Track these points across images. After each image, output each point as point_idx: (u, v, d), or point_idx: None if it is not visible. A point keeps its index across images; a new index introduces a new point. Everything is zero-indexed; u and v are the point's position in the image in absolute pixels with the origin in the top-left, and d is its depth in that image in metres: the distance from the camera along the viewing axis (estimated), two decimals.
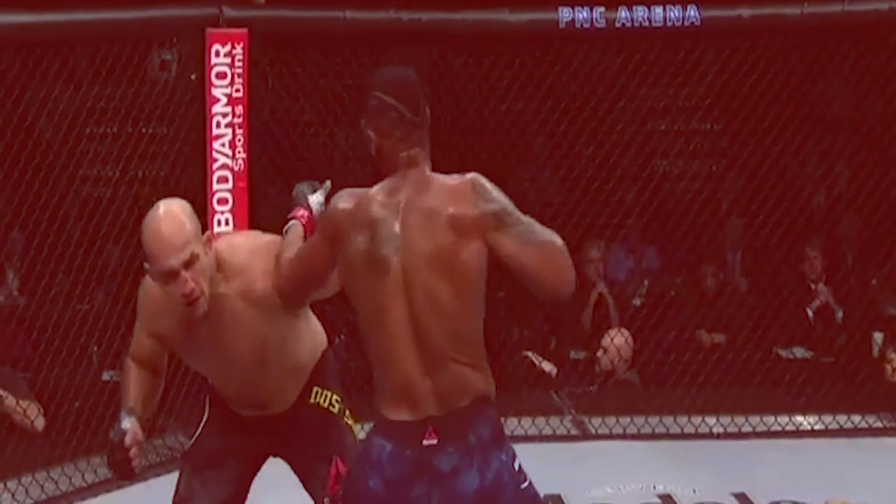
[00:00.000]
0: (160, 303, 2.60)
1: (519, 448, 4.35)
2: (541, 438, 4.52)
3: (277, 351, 2.67)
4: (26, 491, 3.91)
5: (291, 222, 2.61)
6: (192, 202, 4.41)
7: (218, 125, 4.32)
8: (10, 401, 4.10)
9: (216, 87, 4.29)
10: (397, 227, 2.31)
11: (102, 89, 4.43)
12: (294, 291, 2.47)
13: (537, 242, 2.35)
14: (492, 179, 5.62)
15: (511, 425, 4.55)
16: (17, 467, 3.95)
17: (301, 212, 2.63)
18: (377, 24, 4.46)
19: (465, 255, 2.30)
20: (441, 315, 2.30)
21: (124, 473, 2.59)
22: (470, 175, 2.35)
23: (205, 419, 2.77)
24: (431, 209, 2.32)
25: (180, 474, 2.77)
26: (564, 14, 4.33)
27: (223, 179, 4.34)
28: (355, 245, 2.31)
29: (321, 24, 4.47)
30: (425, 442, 2.31)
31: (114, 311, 4.27)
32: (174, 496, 2.75)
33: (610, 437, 4.53)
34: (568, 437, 4.57)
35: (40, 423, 4.14)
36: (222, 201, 4.35)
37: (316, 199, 2.67)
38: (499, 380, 5.12)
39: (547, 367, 5.04)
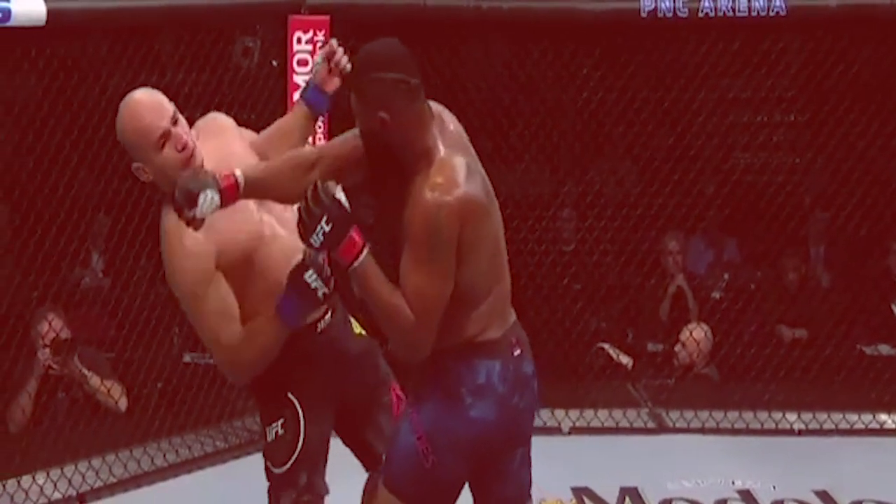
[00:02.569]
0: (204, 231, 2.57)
1: (596, 440, 4.42)
2: (617, 431, 4.55)
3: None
4: (109, 469, 4.05)
5: (361, 258, 2.37)
6: None
7: None
8: (95, 381, 4.24)
9: (297, 73, 4.38)
10: (474, 164, 2.43)
11: (186, 76, 4.54)
12: (432, 331, 2.35)
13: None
14: (571, 170, 5.65)
15: (587, 417, 4.60)
16: (101, 446, 4.08)
17: (355, 239, 2.38)
18: (457, 13, 4.52)
19: None
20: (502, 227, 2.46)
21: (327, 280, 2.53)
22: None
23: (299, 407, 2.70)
24: (463, 135, 2.51)
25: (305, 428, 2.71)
26: (646, 3, 4.34)
27: None
28: (475, 202, 2.36)
29: (401, 12, 4.54)
30: (514, 352, 2.44)
31: None
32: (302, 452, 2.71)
33: (688, 430, 4.55)
34: (645, 430, 4.59)
35: (123, 403, 4.28)
36: None
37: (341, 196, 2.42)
38: (575, 371, 5.19)
39: (624, 359, 5.08)
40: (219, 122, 2.83)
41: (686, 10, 4.35)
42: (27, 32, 3.70)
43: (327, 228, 2.35)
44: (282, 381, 2.70)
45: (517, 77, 5.00)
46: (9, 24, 3.59)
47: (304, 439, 2.69)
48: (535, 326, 4.87)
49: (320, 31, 4.38)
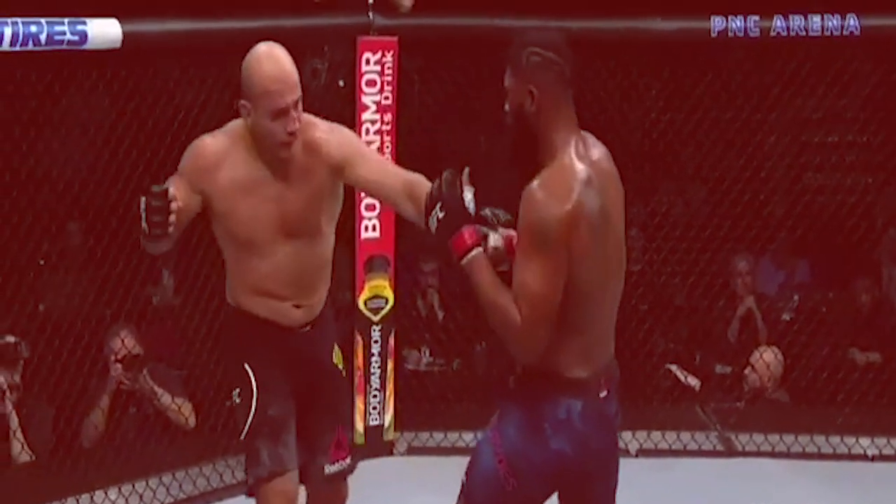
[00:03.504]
0: (219, 159, 2.77)
1: (664, 462, 4.41)
2: (686, 453, 4.54)
3: (317, 230, 2.85)
4: (180, 486, 4.13)
5: (473, 256, 2.38)
6: (341, 208, 4.61)
7: (367, 132, 4.47)
8: (166, 398, 4.33)
9: (366, 94, 4.45)
10: (601, 181, 2.41)
11: None
12: (542, 330, 2.35)
13: None
14: (638, 190, 5.65)
15: (655, 439, 4.59)
16: (172, 463, 4.17)
17: (469, 234, 2.42)
18: (524, 32, 4.54)
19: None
20: (619, 262, 2.45)
21: (160, 223, 2.62)
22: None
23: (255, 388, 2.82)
24: (609, 164, 2.48)
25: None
26: (717, 23, 4.35)
27: None
28: (587, 210, 2.34)
29: (470, 33, 4.59)
30: (601, 394, 2.45)
31: None
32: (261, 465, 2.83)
33: (758, 454, 4.52)
34: (713, 453, 4.57)
35: (192, 420, 4.37)
36: (370, 207, 4.50)
37: (469, 201, 2.50)
38: (642, 392, 5.19)
39: (692, 381, 5.06)
40: None
41: (758, 29, 4.35)
42: (103, 55, 3.79)
43: (440, 216, 2.43)
44: (242, 353, 2.85)
45: (584, 96, 5.02)
46: (85, 46, 3.69)
47: (255, 409, 2.80)
48: None
49: (389, 51, 4.44)
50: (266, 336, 2.86)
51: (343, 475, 3.01)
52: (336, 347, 3.00)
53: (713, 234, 4.94)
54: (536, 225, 2.34)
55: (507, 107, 2.46)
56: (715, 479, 4.31)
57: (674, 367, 5.06)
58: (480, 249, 2.42)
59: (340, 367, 3.00)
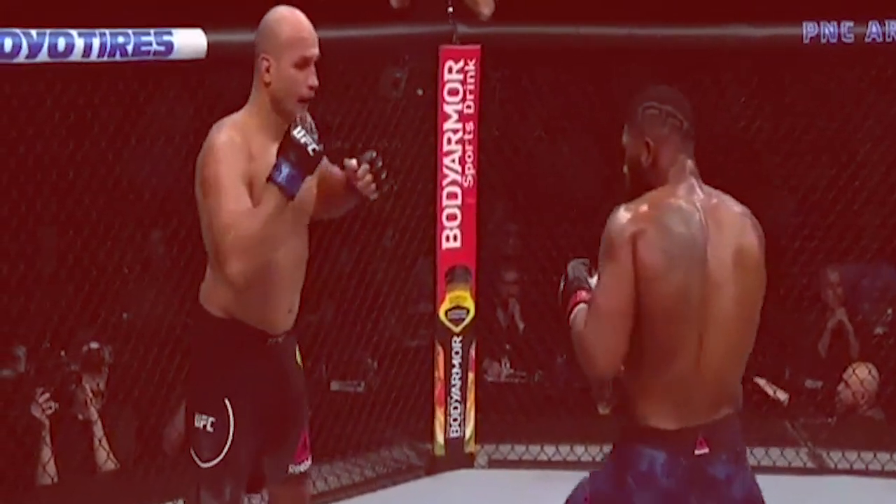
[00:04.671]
0: (249, 148, 2.70)
1: None
2: (775, 470, 4.49)
3: (308, 222, 2.83)
4: (261, 496, 4.18)
5: (578, 308, 2.43)
6: (422, 217, 4.67)
7: (449, 141, 4.51)
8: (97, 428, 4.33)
9: (448, 103, 4.49)
10: (703, 218, 2.36)
11: (336, 106, 4.69)
12: (604, 341, 2.32)
13: None
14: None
15: None
16: None
17: (581, 294, 2.47)
18: (611, 40, 4.56)
19: (763, 268, 2.41)
20: (739, 315, 2.36)
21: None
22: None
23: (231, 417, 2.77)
24: (735, 212, 2.42)
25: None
26: (809, 29, 4.31)
27: (452, 195, 4.54)
28: (668, 231, 2.32)
29: (554, 40, 4.61)
30: (697, 451, 2.36)
31: (344, 321, 4.54)
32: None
33: (850, 472, 4.47)
34: (804, 471, 4.53)
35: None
36: (451, 217, 4.54)
37: (594, 282, 2.50)
38: None
39: (780, 395, 5.01)
40: None
41: (851, 35, 4.30)
42: (188, 65, 3.88)
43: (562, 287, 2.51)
44: (222, 384, 2.77)
45: None
46: (171, 57, 3.78)
47: (230, 447, 2.75)
48: None
49: (471, 60, 4.48)
50: (249, 353, 2.79)
51: (308, 474, 2.97)
52: (296, 345, 2.94)
53: (803, 244, 4.89)
54: (605, 235, 2.39)
55: (625, 167, 2.49)
56: (805, 497, 4.26)
57: (762, 381, 5.01)
58: (584, 305, 2.44)
59: (300, 364, 2.95)
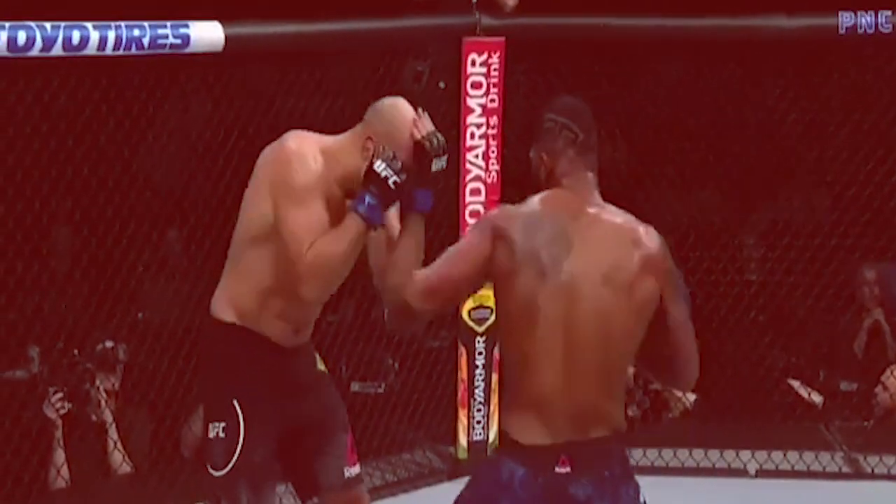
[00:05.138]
0: (328, 170, 2.79)
1: (785, 484, 4.32)
2: (809, 475, 4.45)
3: None
4: (280, 500, 4.16)
5: (416, 217, 2.58)
6: (445, 214, 4.63)
7: (472, 136, 4.47)
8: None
9: (471, 97, 4.45)
10: (571, 231, 2.36)
11: (357, 99, 4.66)
12: (420, 301, 2.38)
13: (692, 334, 2.42)
14: (758, 196, 5.54)
15: (776, 459, 4.51)
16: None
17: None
18: (639, 32, 4.52)
19: (644, 284, 2.35)
20: (603, 333, 2.33)
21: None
22: (650, 227, 2.41)
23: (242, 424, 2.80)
24: (614, 226, 2.39)
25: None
26: (845, 19, 4.25)
27: (476, 192, 4.50)
28: (523, 240, 2.35)
29: (580, 32, 4.57)
30: (558, 469, 2.34)
31: (364, 321, 4.51)
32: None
33: (888, 477, 4.42)
34: (840, 476, 4.48)
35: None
36: (474, 214, 4.50)
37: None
38: (762, 409, 5.09)
39: (815, 398, 4.95)
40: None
41: (889, 25, 4.24)
42: (204, 58, 3.86)
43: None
44: (231, 388, 2.80)
45: (701, 98, 4.96)
46: (187, 50, 3.76)
47: (241, 449, 2.78)
48: (719, 361, 4.80)
49: (495, 52, 4.44)
50: (259, 357, 2.82)
51: (361, 478, 3.00)
52: (314, 352, 2.98)
53: (839, 242, 4.83)
54: (476, 223, 2.47)
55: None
56: (840, 502, 4.21)
57: (795, 384, 4.96)
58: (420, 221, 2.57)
59: (324, 370, 2.99)
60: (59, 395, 4.07)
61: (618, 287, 2.34)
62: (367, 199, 2.71)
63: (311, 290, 2.74)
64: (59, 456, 4.04)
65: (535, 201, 2.40)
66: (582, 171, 2.43)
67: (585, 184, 2.43)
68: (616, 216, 2.42)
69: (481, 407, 4.51)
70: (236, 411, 2.79)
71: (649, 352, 2.40)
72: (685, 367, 2.44)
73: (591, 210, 2.41)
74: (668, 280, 2.38)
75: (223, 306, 2.85)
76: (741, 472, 4.49)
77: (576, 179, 2.42)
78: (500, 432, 2.44)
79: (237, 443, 2.79)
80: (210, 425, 2.82)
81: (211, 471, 2.83)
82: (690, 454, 4.54)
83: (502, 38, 4.44)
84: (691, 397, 4.89)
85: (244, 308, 2.82)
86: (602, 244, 2.36)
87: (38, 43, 3.44)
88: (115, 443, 4.17)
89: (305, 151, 2.80)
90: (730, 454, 4.48)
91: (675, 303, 2.38)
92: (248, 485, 2.80)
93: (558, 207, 2.39)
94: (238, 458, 2.79)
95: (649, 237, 2.39)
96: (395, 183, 2.69)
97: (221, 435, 2.80)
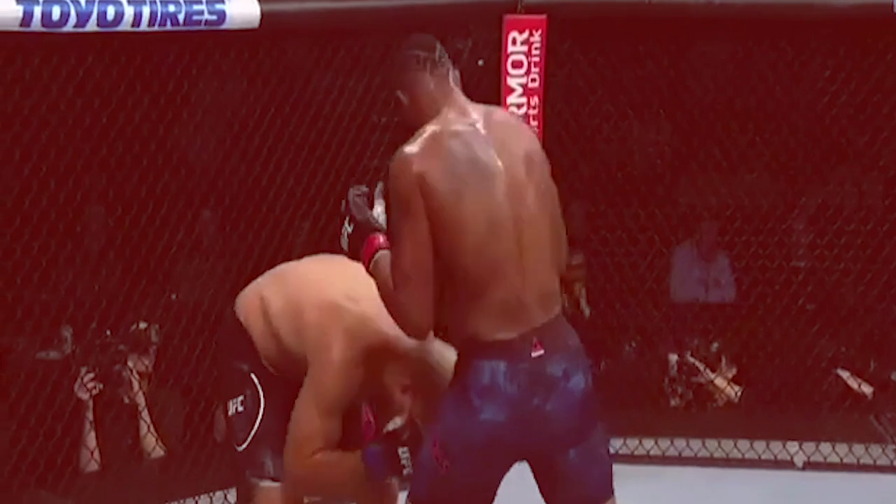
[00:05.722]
0: None
1: (833, 476, 4.30)
2: (858, 467, 4.41)
3: None
4: None
5: (378, 255, 2.56)
6: None
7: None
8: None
9: (511, 76, 4.43)
10: (485, 133, 2.51)
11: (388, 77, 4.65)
12: (417, 295, 2.46)
13: None
14: (808, 180, 5.47)
15: (824, 451, 4.47)
16: None
17: (378, 240, 2.59)
18: (685, 9, 4.47)
19: (546, 163, 2.58)
20: (544, 219, 2.52)
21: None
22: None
23: None
24: (510, 122, 2.60)
25: None
26: None
27: None
28: (447, 172, 2.46)
29: (624, 9, 4.53)
30: (534, 354, 2.49)
31: None
32: None
33: None
34: (890, 469, 4.44)
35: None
36: None
37: (380, 213, 2.64)
38: (809, 400, 5.06)
39: (865, 388, 4.91)
40: None
41: None
42: (240, 35, 3.87)
43: (349, 230, 2.63)
44: (247, 362, 2.89)
45: (749, 78, 4.91)
46: (223, 26, 3.77)
47: (262, 419, 2.85)
48: (766, 349, 4.76)
49: (536, 30, 4.41)
50: None
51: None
52: None
53: (892, 227, 4.78)
54: (391, 185, 2.51)
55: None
56: (890, 498, 4.18)
57: (845, 374, 4.91)
58: (386, 253, 2.57)
59: None
60: (91, 375, 4.10)
61: (537, 164, 2.55)
62: (379, 459, 2.72)
63: (296, 483, 2.81)
64: (91, 438, 4.08)
65: (435, 127, 2.50)
66: (446, 85, 2.57)
67: (456, 94, 2.57)
68: (501, 110, 2.65)
69: None
70: (254, 382, 2.87)
71: None
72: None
73: (484, 111, 2.56)
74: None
75: (249, 310, 2.95)
76: (788, 464, 4.46)
77: (443, 95, 2.55)
78: (465, 340, 2.50)
79: (257, 412, 2.86)
80: (230, 403, 2.90)
81: (235, 447, 2.90)
82: (735, 445, 4.51)
83: (544, 16, 4.41)
84: (736, 388, 4.86)
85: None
86: (513, 133, 2.55)
87: (73, 18, 3.45)
88: (148, 426, 4.20)
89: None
90: (776, 445, 4.45)
91: None
92: (271, 449, 2.85)
93: (460, 120, 2.52)
94: (259, 426, 2.86)
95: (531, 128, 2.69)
96: (407, 473, 2.71)
97: (240, 409, 2.88)
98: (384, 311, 2.59)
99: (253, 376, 2.88)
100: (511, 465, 2.59)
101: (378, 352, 2.74)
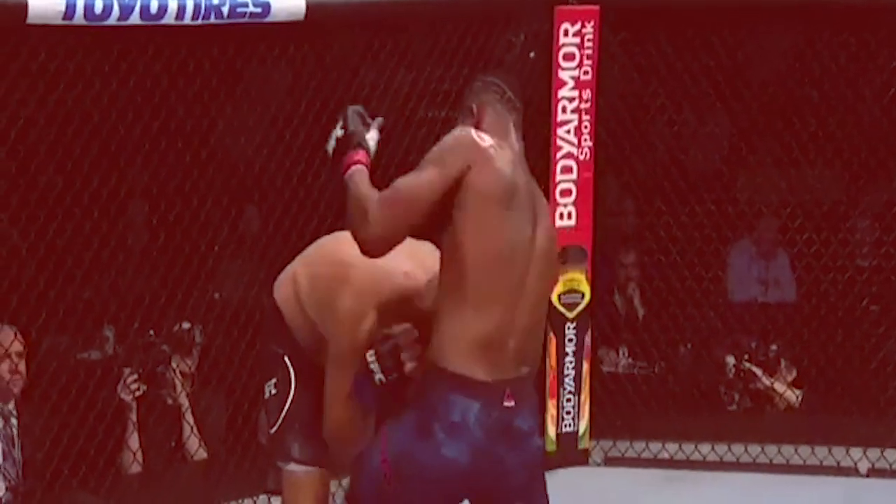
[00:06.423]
0: None
1: None
2: None
3: None
4: None
5: (355, 167, 2.66)
6: None
7: (564, 110, 4.45)
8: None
9: (563, 69, 4.42)
10: (525, 181, 2.62)
11: (443, 71, 4.66)
12: (391, 223, 2.55)
13: None
14: (872, 176, 5.41)
15: (890, 457, 4.44)
16: None
17: (360, 154, 2.69)
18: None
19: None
20: (548, 272, 2.62)
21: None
22: None
23: None
24: (539, 192, 2.70)
25: None
26: None
27: (567, 169, 4.47)
28: (495, 171, 2.55)
29: (678, 0, 4.51)
30: (506, 403, 2.54)
31: None
32: None
33: None
34: None
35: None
36: (565, 192, 4.48)
37: (372, 137, 2.75)
38: (875, 404, 5.01)
39: None
40: None
41: None
42: (285, 28, 3.88)
43: (339, 134, 2.75)
44: (281, 344, 2.95)
45: (811, 69, 4.87)
46: (268, 19, 3.78)
47: (291, 402, 2.90)
48: (828, 352, 4.72)
49: (589, 22, 4.40)
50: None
51: None
52: None
53: None
54: (443, 143, 2.62)
55: None
56: None
57: None
58: (362, 169, 2.65)
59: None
60: (135, 376, 4.13)
61: (553, 245, 2.66)
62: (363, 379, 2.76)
63: (331, 441, 2.86)
64: (134, 440, 4.11)
65: (495, 143, 2.61)
66: (508, 125, 2.70)
67: (515, 137, 2.70)
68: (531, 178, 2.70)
69: (571, 397, 4.50)
70: (287, 366, 2.93)
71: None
72: None
73: (520, 155, 2.69)
74: None
75: (286, 294, 3.01)
76: (851, 471, 4.42)
77: (505, 129, 2.68)
78: (444, 365, 2.52)
79: (288, 394, 2.92)
80: (265, 387, 2.96)
81: (268, 429, 2.97)
82: (796, 451, 4.48)
83: (597, 6, 4.41)
84: (797, 392, 4.82)
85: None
86: (540, 198, 2.67)
87: (116, 11, 3.48)
88: (192, 427, 4.23)
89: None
90: (839, 451, 4.41)
91: None
92: (299, 434, 2.91)
93: (512, 151, 2.65)
94: (288, 410, 2.91)
95: None
96: (380, 380, 2.73)
97: (273, 392, 2.94)
98: (398, 264, 2.68)
99: (287, 360, 2.94)
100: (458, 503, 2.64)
101: (393, 305, 2.77)
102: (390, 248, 2.58)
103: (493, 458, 2.54)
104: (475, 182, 2.54)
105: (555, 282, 2.78)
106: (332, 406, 2.80)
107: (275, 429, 2.94)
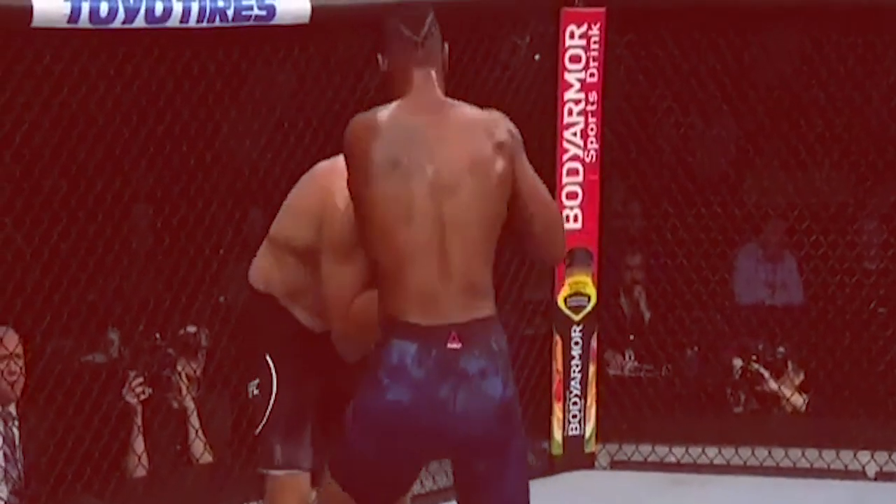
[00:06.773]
0: None
1: None
2: None
3: None
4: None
5: None
6: None
7: (570, 113, 4.47)
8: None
9: (569, 71, 4.44)
10: (425, 132, 2.59)
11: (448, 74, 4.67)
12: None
13: (547, 201, 2.67)
14: (880, 178, 5.44)
15: None
16: None
17: None
18: (749, 0, 4.46)
19: (499, 166, 2.60)
20: (475, 218, 2.59)
21: None
22: (494, 112, 2.68)
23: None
24: (464, 121, 2.64)
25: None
26: None
27: (573, 172, 4.49)
28: (384, 150, 2.58)
29: (686, 1, 4.53)
30: (450, 345, 2.54)
31: None
32: None
33: None
34: None
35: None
36: (571, 195, 4.50)
37: None
38: (883, 408, 5.00)
39: None
40: None
41: None
42: (290, 30, 3.90)
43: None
44: (264, 344, 2.97)
45: (817, 71, 4.88)
46: (273, 22, 3.81)
47: (274, 404, 2.93)
48: (835, 355, 4.73)
49: (595, 24, 4.42)
50: (294, 334, 2.98)
51: None
52: None
53: None
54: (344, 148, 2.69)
55: None
56: None
57: None
58: None
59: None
60: (140, 380, 4.16)
61: (482, 174, 2.59)
62: None
63: (341, 338, 2.87)
64: (139, 443, 4.13)
65: (387, 112, 2.63)
66: (420, 69, 2.67)
67: (427, 82, 2.66)
68: (469, 111, 2.65)
69: (577, 400, 4.51)
70: (268, 365, 2.96)
71: (516, 229, 2.65)
72: (546, 235, 2.67)
73: (443, 109, 2.65)
74: (517, 158, 2.62)
75: (267, 278, 3.06)
76: (859, 475, 4.43)
77: (416, 79, 2.66)
78: (384, 318, 2.58)
79: (270, 395, 2.95)
80: (248, 386, 2.99)
81: (255, 430, 2.99)
82: (803, 454, 4.49)
83: (603, 8, 4.42)
84: (804, 396, 4.83)
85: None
86: (461, 137, 2.60)
87: (121, 14, 3.51)
88: (197, 431, 4.25)
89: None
90: (847, 454, 4.42)
91: (524, 175, 2.63)
92: (282, 436, 2.93)
93: (411, 113, 2.62)
94: (271, 410, 2.94)
95: (497, 124, 2.64)
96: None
97: (256, 392, 2.97)
98: None
99: (269, 360, 2.97)
100: (424, 459, 2.66)
101: None
102: None
103: (438, 398, 2.53)
104: (365, 168, 2.60)
105: (496, 203, 2.63)
106: (336, 304, 2.79)
107: (259, 430, 2.96)
